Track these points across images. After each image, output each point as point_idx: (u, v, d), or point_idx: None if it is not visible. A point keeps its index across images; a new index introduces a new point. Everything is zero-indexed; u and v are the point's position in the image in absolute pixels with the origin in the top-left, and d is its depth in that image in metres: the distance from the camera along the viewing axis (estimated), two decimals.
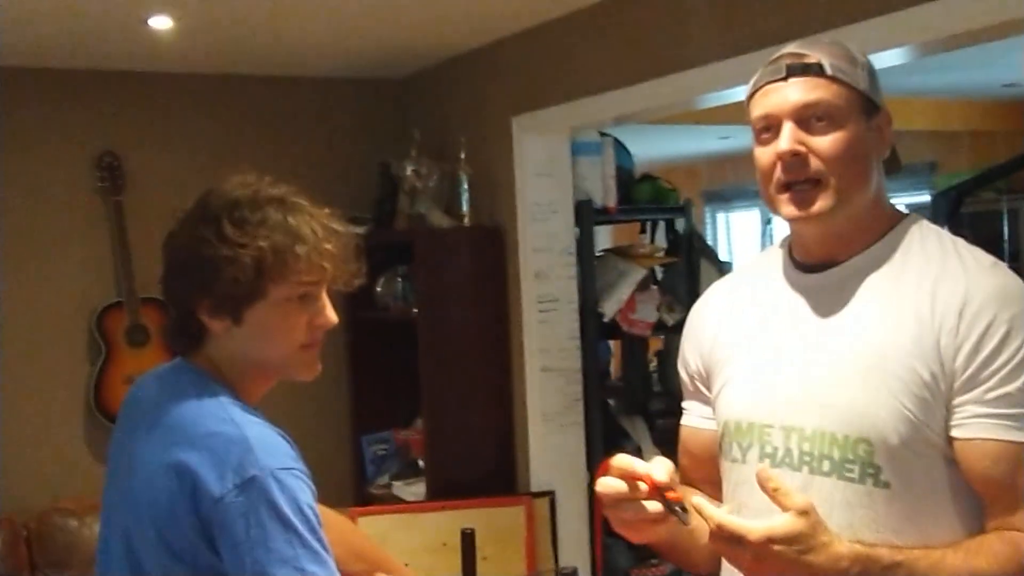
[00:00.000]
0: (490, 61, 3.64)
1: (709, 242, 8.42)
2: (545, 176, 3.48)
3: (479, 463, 3.57)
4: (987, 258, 1.48)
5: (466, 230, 3.62)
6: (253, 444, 1.42)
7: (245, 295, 1.48)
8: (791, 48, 1.51)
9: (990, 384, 1.37)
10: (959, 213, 5.35)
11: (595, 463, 3.52)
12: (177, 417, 1.47)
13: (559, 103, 3.29)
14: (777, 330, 1.55)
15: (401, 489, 3.77)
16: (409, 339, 3.61)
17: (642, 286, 3.58)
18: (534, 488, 3.49)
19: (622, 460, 1.41)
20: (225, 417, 1.45)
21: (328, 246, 1.52)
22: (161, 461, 1.44)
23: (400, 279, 3.74)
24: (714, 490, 1.62)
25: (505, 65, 3.57)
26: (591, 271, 3.52)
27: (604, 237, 5.66)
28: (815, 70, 1.46)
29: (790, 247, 1.61)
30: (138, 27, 3.03)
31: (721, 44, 2.64)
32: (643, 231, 3.93)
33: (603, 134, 3.56)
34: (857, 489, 1.42)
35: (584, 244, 3.51)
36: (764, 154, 1.49)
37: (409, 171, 3.68)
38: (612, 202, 3.53)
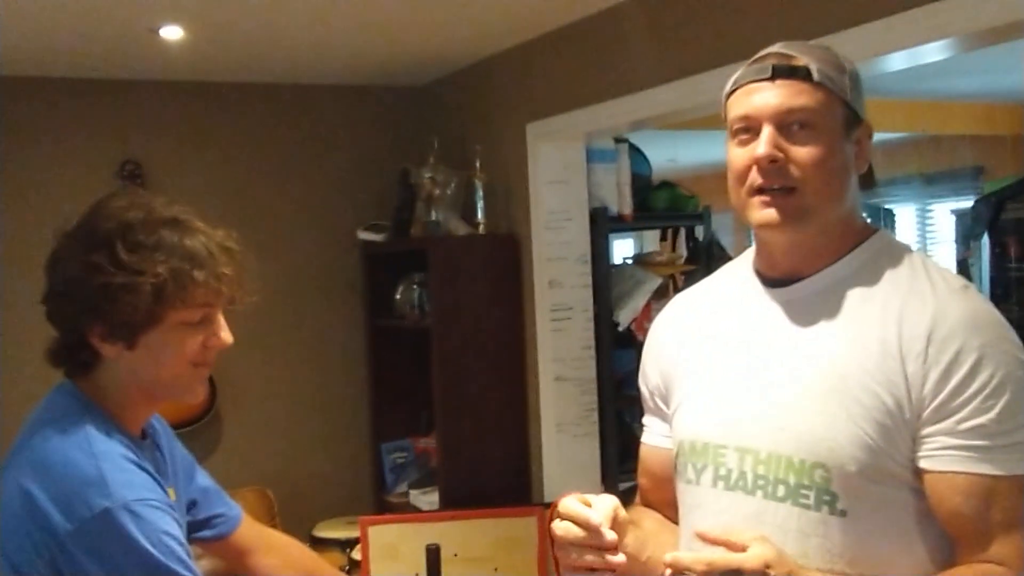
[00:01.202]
0: (504, 67, 3.61)
1: (748, 248, 8.33)
2: (559, 183, 3.44)
3: (493, 473, 3.54)
4: (957, 281, 1.42)
5: (481, 238, 3.59)
6: (107, 477, 1.37)
7: (141, 322, 1.43)
8: (778, 48, 1.45)
9: (962, 415, 1.31)
10: (1001, 219, 5.21)
11: (610, 474, 3.48)
12: (39, 444, 1.43)
13: (573, 109, 3.24)
14: (737, 346, 1.50)
15: (417, 498, 3.75)
16: (427, 347, 3.59)
17: (659, 294, 3.52)
18: (548, 498, 3.45)
19: (569, 507, 1.37)
20: (86, 449, 1.40)
21: (225, 269, 1.48)
22: (15, 488, 1.40)
23: (417, 287, 3.73)
24: (674, 512, 1.57)
25: (519, 71, 3.53)
26: (606, 279, 3.47)
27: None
28: (802, 74, 1.40)
29: (756, 259, 1.56)
30: (148, 37, 3.06)
31: (736, 46, 2.57)
32: (664, 239, 3.87)
33: (619, 140, 3.50)
34: (812, 517, 1.36)
35: (599, 252, 3.46)
36: (739, 156, 1.44)
37: (426, 178, 3.67)
38: (628, 209, 3.47)
